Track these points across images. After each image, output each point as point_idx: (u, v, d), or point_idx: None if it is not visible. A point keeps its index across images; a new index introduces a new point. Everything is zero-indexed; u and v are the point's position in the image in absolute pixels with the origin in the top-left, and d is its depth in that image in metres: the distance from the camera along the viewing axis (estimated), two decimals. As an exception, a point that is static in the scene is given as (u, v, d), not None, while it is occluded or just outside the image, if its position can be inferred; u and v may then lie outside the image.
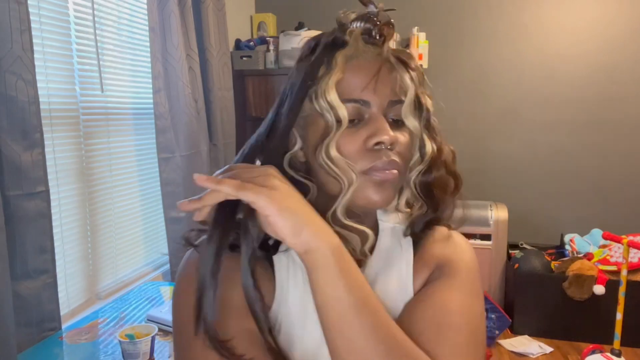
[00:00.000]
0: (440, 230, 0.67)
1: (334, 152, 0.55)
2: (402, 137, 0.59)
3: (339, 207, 0.57)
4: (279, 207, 0.47)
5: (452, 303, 0.59)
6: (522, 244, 2.97)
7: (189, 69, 2.00)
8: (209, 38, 2.17)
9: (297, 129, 0.60)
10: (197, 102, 2.07)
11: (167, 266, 2.04)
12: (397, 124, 0.59)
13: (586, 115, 2.92)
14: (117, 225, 1.84)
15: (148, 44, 1.85)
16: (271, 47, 2.58)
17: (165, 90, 1.91)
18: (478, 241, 2.79)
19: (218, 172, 0.51)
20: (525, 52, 2.95)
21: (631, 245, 2.07)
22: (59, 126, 1.52)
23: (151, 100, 1.88)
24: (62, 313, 1.41)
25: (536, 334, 2.59)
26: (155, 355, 1.21)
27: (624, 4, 2.80)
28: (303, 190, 0.57)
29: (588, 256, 2.62)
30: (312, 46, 0.61)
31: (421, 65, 2.64)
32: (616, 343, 2.16)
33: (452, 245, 0.66)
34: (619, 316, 2.15)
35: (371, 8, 0.60)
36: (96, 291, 1.73)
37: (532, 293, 2.58)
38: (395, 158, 0.57)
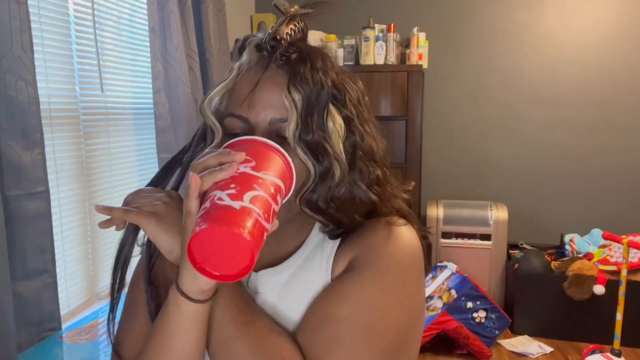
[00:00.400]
0: (378, 221, 0.62)
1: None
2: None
3: None
4: (155, 231, 0.54)
5: (346, 295, 0.56)
6: (522, 244, 2.97)
7: (189, 69, 2.00)
8: (209, 38, 2.17)
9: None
10: (197, 102, 2.07)
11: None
12: (285, 142, 0.56)
13: (586, 115, 2.92)
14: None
15: (148, 44, 1.85)
16: (271, 47, 2.58)
17: (165, 90, 1.91)
18: (478, 241, 2.79)
19: (129, 194, 0.59)
20: (525, 52, 2.95)
21: (631, 245, 2.07)
22: (59, 126, 1.52)
23: (151, 100, 1.88)
24: (62, 313, 1.40)
25: (536, 334, 2.59)
26: (155, 355, 1.21)
27: (624, 3, 2.80)
28: None
29: (588, 256, 2.62)
30: (238, 48, 0.63)
31: (420, 66, 2.66)
32: (616, 343, 2.16)
33: (380, 235, 0.60)
34: (619, 316, 2.15)
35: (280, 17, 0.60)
36: (96, 291, 1.73)
37: (532, 293, 2.58)
38: None
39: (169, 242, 0.54)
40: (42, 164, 1.28)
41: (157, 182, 0.65)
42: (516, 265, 2.65)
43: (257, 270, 0.63)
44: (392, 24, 2.65)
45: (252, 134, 0.55)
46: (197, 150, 0.63)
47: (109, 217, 0.56)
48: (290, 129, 0.55)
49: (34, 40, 1.27)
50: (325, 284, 0.61)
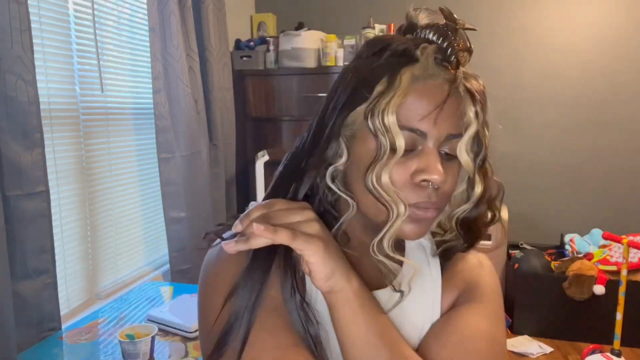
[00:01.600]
0: (469, 252, 0.65)
1: (386, 180, 0.52)
2: (450, 176, 0.55)
3: (386, 238, 0.54)
4: (323, 257, 0.51)
5: (480, 330, 0.58)
6: (522, 244, 2.97)
7: (189, 69, 2.00)
8: (209, 38, 2.17)
9: (343, 139, 0.56)
10: (197, 102, 2.07)
11: (167, 266, 2.04)
12: (449, 157, 0.55)
13: (586, 115, 2.92)
14: (117, 225, 1.84)
15: (148, 44, 1.85)
16: (271, 47, 2.58)
17: (165, 90, 1.91)
18: (478, 241, 2.79)
19: (254, 204, 0.54)
20: (525, 52, 2.95)
21: (631, 245, 2.07)
22: (59, 126, 1.52)
23: (151, 100, 1.88)
24: (62, 313, 1.41)
25: (536, 334, 2.59)
26: (155, 355, 1.21)
27: (624, 4, 2.80)
28: (337, 204, 0.60)
29: (588, 256, 2.62)
30: (377, 50, 0.55)
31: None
32: (616, 343, 2.16)
33: (480, 267, 0.65)
34: (619, 316, 2.15)
35: (449, 24, 0.55)
36: (96, 291, 1.73)
37: (532, 293, 2.58)
38: (439, 199, 0.55)
39: (333, 266, 0.52)
40: (42, 164, 1.28)
41: (279, 192, 0.58)
42: (516, 265, 2.65)
43: (370, 289, 0.60)
44: (392, 24, 2.65)
45: (424, 146, 0.53)
46: (324, 157, 0.57)
47: (234, 239, 0.51)
48: (466, 147, 0.54)
49: (34, 40, 1.27)
50: (431, 311, 0.62)
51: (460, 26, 0.55)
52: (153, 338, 1.19)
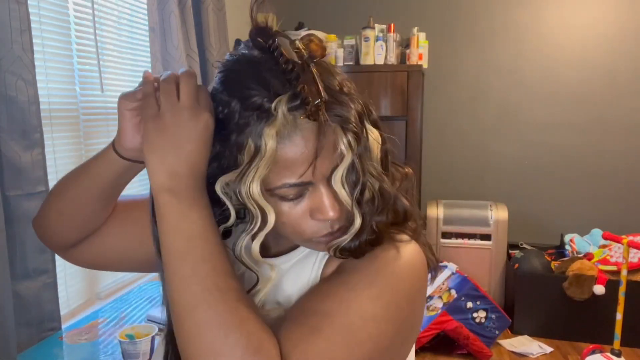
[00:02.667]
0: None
1: (256, 249, 0.56)
2: (344, 199, 0.55)
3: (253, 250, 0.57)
4: (145, 137, 0.53)
5: (331, 292, 0.55)
6: (522, 244, 2.97)
7: (189, 69, 2.00)
8: (209, 38, 2.17)
9: (227, 199, 0.57)
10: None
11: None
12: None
13: (586, 115, 2.92)
14: (117, 225, 1.83)
15: (148, 44, 1.85)
16: (271, 47, 2.58)
17: (165, 90, 1.91)
18: (478, 241, 2.79)
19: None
20: (525, 52, 2.95)
21: (631, 245, 2.07)
22: (59, 126, 1.52)
23: (151, 100, 1.87)
24: (62, 313, 1.40)
25: (536, 334, 2.59)
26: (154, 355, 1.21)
27: (623, 3, 2.80)
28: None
29: (588, 256, 2.62)
30: (236, 96, 0.53)
31: (421, 66, 2.66)
32: (616, 343, 2.16)
33: (381, 247, 0.59)
34: (619, 316, 2.15)
35: (296, 64, 0.51)
36: (96, 291, 1.73)
37: (532, 293, 2.58)
38: (340, 224, 0.56)
39: (154, 142, 0.53)
40: (42, 164, 1.28)
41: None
42: (516, 265, 2.65)
43: (262, 256, 0.63)
44: (392, 24, 2.65)
45: (313, 187, 0.54)
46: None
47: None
48: (340, 180, 0.53)
49: (34, 40, 1.27)
50: (313, 282, 0.61)
51: (309, 60, 0.51)
52: (153, 338, 1.19)
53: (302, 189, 0.54)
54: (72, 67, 1.59)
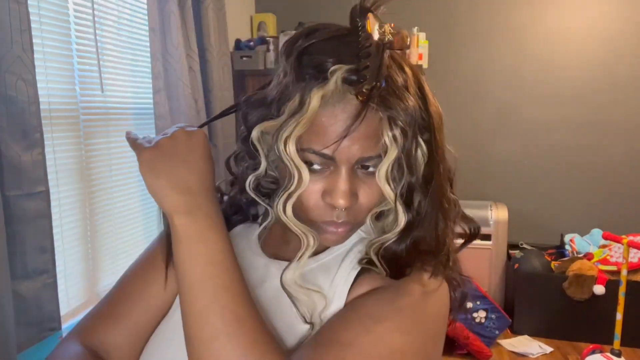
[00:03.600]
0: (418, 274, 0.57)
1: (289, 212, 0.53)
2: (365, 192, 0.54)
3: (291, 268, 0.56)
4: (146, 167, 0.52)
5: (355, 322, 0.51)
6: (522, 244, 2.97)
7: (189, 69, 2.00)
8: (209, 38, 2.17)
9: (262, 148, 0.57)
10: (197, 102, 2.07)
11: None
12: (368, 173, 0.54)
13: (586, 115, 2.92)
14: (117, 225, 1.84)
15: (148, 44, 1.85)
16: (271, 47, 2.58)
17: (165, 90, 1.91)
18: (478, 241, 2.78)
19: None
20: (525, 52, 2.95)
21: (631, 245, 2.07)
22: (59, 126, 1.52)
23: (151, 100, 1.88)
24: (62, 313, 1.40)
25: (536, 334, 2.59)
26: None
27: (623, 3, 2.80)
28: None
29: (588, 256, 2.62)
30: (302, 48, 0.53)
31: (421, 65, 2.65)
32: (616, 343, 2.16)
33: (411, 278, 0.56)
34: (619, 316, 2.15)
35: (375, 46, 0.50)
36: (96, 291, 1.73)
37: (532, 293, 2.58)
38: (350, 217, 0.54)
39: (157, 180, 0.52)
40: (42, 164, 1.28)
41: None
42: (516, 265, 2.65)
43: (270, 258, 0.62)
44: (392, 24, 2.64)
45: (335, 166, 0.52)
46: (247, 160, 0.60)
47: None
48: (384, 176, 0.51)
49: (34, 40, 1.27)
50: (337, 295, 0.57)
51: (386, 44, 0.51)
52: (153, 338, 1.19)
53: (324, 162, 0.52)
54: (72, 67, 1.59)
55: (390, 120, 0.50)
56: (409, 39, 0.53)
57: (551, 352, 2.44)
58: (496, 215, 2.77)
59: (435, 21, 3.00)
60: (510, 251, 2.88)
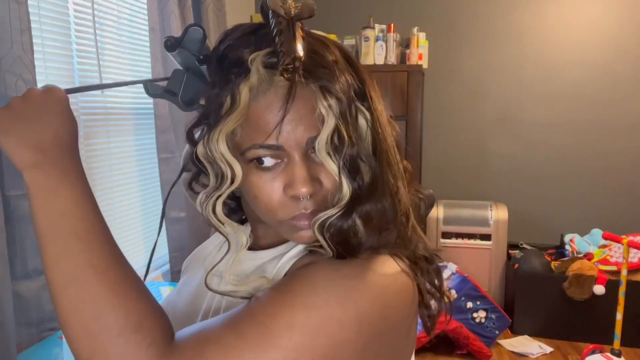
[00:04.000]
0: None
1: (219, 211, 0.53)
2: (326, 180, 0.52)
3: (226, 273, 0.56)
4: None
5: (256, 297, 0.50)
6: (522, 244, 2.97)
7: (189, 69, 2.00)
8: (209, 38, 2.17)
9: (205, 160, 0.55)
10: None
11: (167, 266, 2.04)
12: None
13: (586, 115, 2.92)
14: (117, 225, 1.84)
15: (148, 44, 1.85)
16: (271, 47, 2.58)
17: (165, 90, 1.91)
18: (478, 241, 2.79)
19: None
20: (525, 52, 2.95)
21: (631, 245, 2.07)
22: (59, 126, 1.52)
23: (151, 100, 1.88)
24: (62, 313, 1.40)
25: (536, 334, 2.59)
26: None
27: (623, 3, 2.80)
28: None
29: (588, 256, 2.62)
30: (222, 52, 0.52)
31: (421, 66, 2.66)
32: (616, 343, 2.16)
33: (311, 263, 0.53)
34: (619, 316, 2.15)
35: (282, 20, 0.49)
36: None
37: (532, 293, 2.58)
38: (315, 206, 0.52)
39: (11, 130, 0.49)
40: (42, 164, 1.28)
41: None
42: (516, 265, 2.65)
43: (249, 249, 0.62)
44: (392, 24, 2.65)
45: (288, 157, 0.51)
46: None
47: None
48: (324, 148, 0.49)
49: (34, 40, 1.27)
50: (273, 282, 0.56)
51: (293, 20, 0.49)
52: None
53: (275, 155, 0.50)
54: (72, 67, 1.59)
55: (323, 90, 0.49)
56: (314, 5, 0.51)
57: (551, 352, 2.44)
58: (496, 215, 2.77)
59: (435, 21, 3.00)
60: (510, 251, 2.88)
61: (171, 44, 0.57)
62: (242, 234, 0.54)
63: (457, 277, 2.48)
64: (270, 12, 0.50)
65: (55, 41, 1.51)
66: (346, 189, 0.50)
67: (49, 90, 0.53)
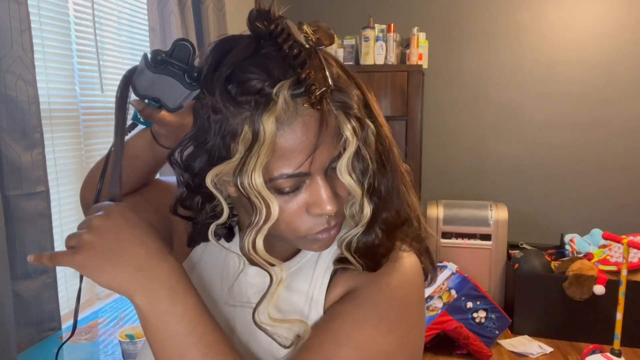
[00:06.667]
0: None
1: (260, 246, 0.52)
2: (341, 191, 0.53)
3: (262, 304, 0.55)
4: (93, 267, 0.50)
5: (344, 336, 0.52)
6: (522, 244, 2.97)
7: (189, 69, 2.00)
8: (209, 38, 2.17)
9: (219, 193, 0.54)
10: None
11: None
12: (333, 168, 0.52)
13: (586, 115, 2.92)
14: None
15: (148, 44, 1.85)
16: (271, 47, 2.58)
17: (165, 90, 1.91)
18: (478, 241, 2.79)
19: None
20: (525, 52, 2.95)
21: (631, 245, 2.07)
22: (59, 126, 1.52)
23: (151, 100, 1.88)
24: (62, 313, 1.40)
25: (536, 334, 2.59)
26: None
27: (623, 3, 2.80)
28: None
29: (588, 256, 2.62)
30: (232, 84, 0.48)
31: (421, 66, 2.66)
32: (616, 343, 2.16)
33: (385, 266, 0.56)
34: (619, 316, 2.15)
35: (303, 48, 0.48)
36: (96, 291, 1.73)
37: (532, 293, 2.58)
38: (338, 218, 0.54)
39: (112, 275, 0.50)
40: (42, 164, 1.28)
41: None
42: (516, 265, 2.65)
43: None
44: (392, 24, 2.65)
45: (310, 179, 0.51)
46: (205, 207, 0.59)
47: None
48: (346, 168, 0.50)
49: (34, 40, 1.27)
50: (313, 304, 0.58)
51: (314, 47, 0.48)
52: (153, 338, 1.19)
53: (298, 180, 0.51)
54: (72, 67, 1.59)
55: (346, 113, 0.49)
56: (331, 30, 0.51)
57: (551, 352, 2.44)
58: (496, 215, 2.77)
59: (436, 21, 3.00)
60: (510, 251, 2.88)
61: (161, 59, 0.55)
62: (283, 270, 0.54)
63: (457, 277, 2.48)
64: (289, 42, 0.48)
65: (55, 41, 1.51)
66: (367, 209, 0.53)
67: (109, 212, 0.52)
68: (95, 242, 0.50)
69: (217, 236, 0.60)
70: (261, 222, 0.50)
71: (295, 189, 0.51)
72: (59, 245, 1.50)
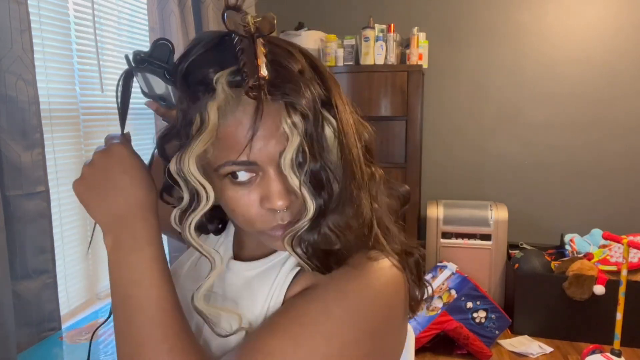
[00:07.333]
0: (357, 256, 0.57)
1: (193, 232, 0.54)
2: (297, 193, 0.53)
3: (202, 289, 0.58)
4: (78, 196, 0.58)
5: (281, 328, 0.52)
6: (522, 244, 2.97)
7: (189, 69, 2.00)
8: (209, 38, 2.17)
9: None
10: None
11: (167, 266, 2.04)
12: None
13: (586, 114, 2.92)
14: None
15: (148, 44, 1.85)
16: (271, 47, 2.58)
17: (165, 90, 1.91)
18: (478, 241, 2.79)
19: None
20: (525, 52, 2.95)
21: (631, 245, 2.07)
22: (59, 126, 1.52)
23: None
24: (62, 313, 1.40)
25: (536, 334, 2.59)
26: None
27: (624, 3, 2.80)
28: None
29: (588, 256, 2.62)
30: (187, 70, 0.52)
31: (421, 66, 2.66)
32: (616, 343, 2.16)
33: (352, 263, 0.55)
34: (619, 316, 2.15)
35: (244, 40, 0.49)
36: (96, 291, 1.73)
37: (532, 293, 2.58)
38: (292, 217, 0.53)
39: (90, 202, 0.58)
40: (42, 164, 1.28)
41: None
42: (516, 265, 2.65)
43: (234, 258, 0.66)
44: (392, 24, 2.65)
45: (263, 172, 0.52)
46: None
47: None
48: (289, 164, 0.50)
49: (34, 40, 1.27)
50: (272, 302, 0.58)
51: (254, 37, 0.49)
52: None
53: (250, 170, 0.51)
54: (72, 67, 1.59)
55: (288, 107, 0.49)
56: (274, 19, 0.50)
57: (551, 352, 2.44)
58: (496, 215, 2.77)
59: (436, 21, 3.00)
60: (510, 251, 2.88)
61: (141, 58, 0.58)
62: (217, 255, 0.57)
63: (457, 277, 2.48)
64: (233, 33, 0.50)
65: (55, 41, 1.51)
66: (310, 204, 0.51)
67: (111, 149, 0.60)
68: (88, 178, 0.58)
69: (206, 230, 0.65)
70: (200, 205, 0.53)
71: (250, 182, 0.52)
72: (59, 245, 1.50)
